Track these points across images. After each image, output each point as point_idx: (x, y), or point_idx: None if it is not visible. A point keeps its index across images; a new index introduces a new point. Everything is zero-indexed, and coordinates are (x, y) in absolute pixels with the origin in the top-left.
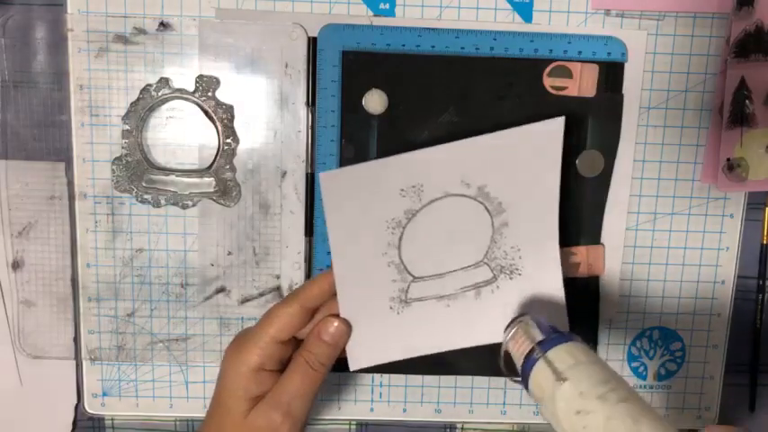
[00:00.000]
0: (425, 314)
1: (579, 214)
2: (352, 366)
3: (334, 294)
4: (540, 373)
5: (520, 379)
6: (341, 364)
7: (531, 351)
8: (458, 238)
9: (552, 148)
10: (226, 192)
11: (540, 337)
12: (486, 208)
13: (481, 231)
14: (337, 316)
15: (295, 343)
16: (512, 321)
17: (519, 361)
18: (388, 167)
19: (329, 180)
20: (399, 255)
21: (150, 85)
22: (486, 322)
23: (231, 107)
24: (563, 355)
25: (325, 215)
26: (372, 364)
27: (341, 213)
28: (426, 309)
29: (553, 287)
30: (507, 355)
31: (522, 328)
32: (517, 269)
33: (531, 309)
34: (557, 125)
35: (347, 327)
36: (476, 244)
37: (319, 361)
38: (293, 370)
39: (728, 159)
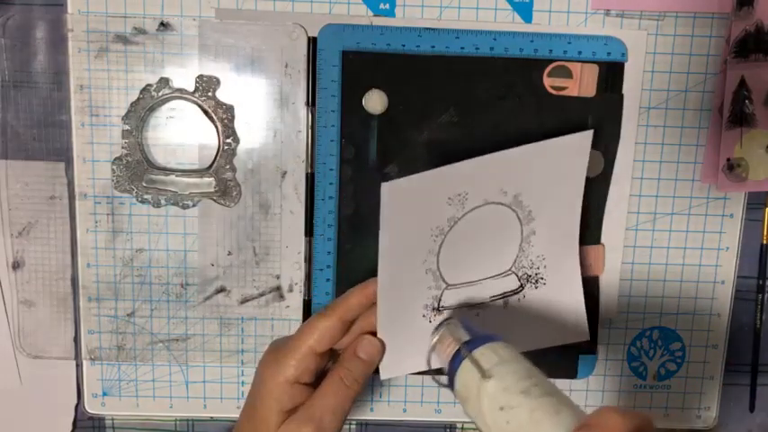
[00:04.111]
0: None
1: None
2: (383, 375)
3: (371, 307)
4: (465, 372)
5: (446, 382)
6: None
7: (458, 351)
8: (490, 245)
9: (579, 160)
10: (226, 192)
11: (466, 337)
12: (517, 215)
13: (511, 239)
14: (373, 333)
15: (330, 356)
16: (439, 325)
17: (446, 362)
18: (443, 176)
19: (391, 190)
20: (437, 261)
21: (150, 85)
22: (512, 331)
23: (231, 107)
24: (488, 353)
25: (380, 224)
26: (403, 373)
27: (395, 222)
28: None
29: (574, 296)
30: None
31: (449, 329)
32: (542, 278)
33: (552, 318)
34: (585, 138)
35: (383, 344)
36: (505, 252)
37: (354, 377)
38: (327, 385)
39: (728, 159)
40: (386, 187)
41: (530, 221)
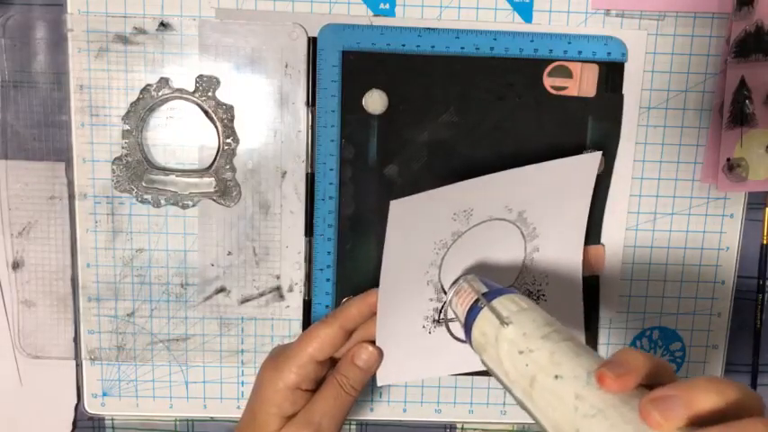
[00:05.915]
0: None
1: None
2: (380, 382)
3: (372, 316)
4: (484, 320)
5: (463, 336)
6: None
7: (476, 302)
8: (493, 260)
9: (586, 181)
10: (226, 192)
11: (484, 289)
12: (521, 232)
13: (515, 255)
14: (371, 342)
15: (331, 363)
16: (455, 281)
17: (463, 314)
18: (450, 194)
19: (398, 207)
20: (439, 274)
21: (150, 85)
22: None
23: (231, 107)
24: (506, 302)
25: (386, 238)
26: (400, 381)
27: (400, 237)
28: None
29: (574, 313)
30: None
31: (467, 282)
32: (543, 295)
33: None
34: (593, 159)
35: (380, 353)
36: (508, 268)
37: (351, 385)
38: (326, 391)
39: (728, 159)
40: (394, 205)
41: (533, 238)
